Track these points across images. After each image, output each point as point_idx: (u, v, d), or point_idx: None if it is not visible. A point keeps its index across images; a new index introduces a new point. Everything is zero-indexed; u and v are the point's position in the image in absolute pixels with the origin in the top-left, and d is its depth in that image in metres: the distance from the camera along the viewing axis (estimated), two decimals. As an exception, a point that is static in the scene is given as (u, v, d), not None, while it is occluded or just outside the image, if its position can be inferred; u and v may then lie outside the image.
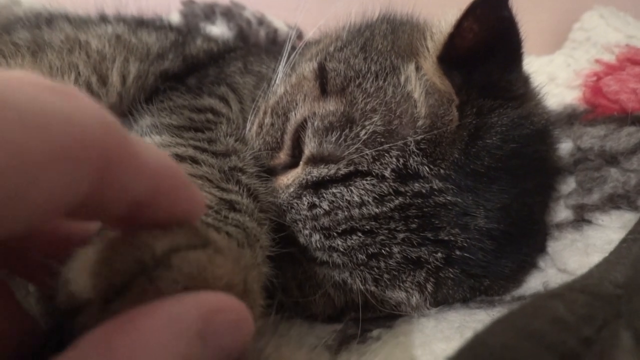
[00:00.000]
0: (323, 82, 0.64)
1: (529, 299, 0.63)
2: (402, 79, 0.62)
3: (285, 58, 0.75)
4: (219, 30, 1.36)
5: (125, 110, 0.71)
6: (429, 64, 0.62)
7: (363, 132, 0.59)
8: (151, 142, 0.63)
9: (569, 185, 0.78)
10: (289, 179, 0.62)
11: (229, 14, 1.39)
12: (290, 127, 0.65)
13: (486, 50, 0.61)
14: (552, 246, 0.70)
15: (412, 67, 0.63)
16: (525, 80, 0.68)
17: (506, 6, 0.57)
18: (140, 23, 0.91)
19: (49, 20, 0.86)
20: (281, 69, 0.74)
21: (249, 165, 0.62)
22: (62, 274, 0.28)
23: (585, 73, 0.93)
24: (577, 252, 0.67)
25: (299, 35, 1.55)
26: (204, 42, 0.97)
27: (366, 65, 0.64)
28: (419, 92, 0.60)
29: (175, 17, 1.34)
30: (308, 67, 0.67)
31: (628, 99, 0.80)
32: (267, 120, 0.67)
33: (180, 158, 0.58)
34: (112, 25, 0.85)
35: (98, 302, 0.28)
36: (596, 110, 0.84)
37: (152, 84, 0.77)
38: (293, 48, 0.78)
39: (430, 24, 0.66)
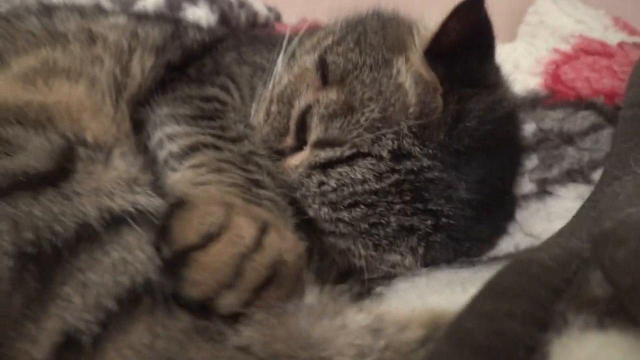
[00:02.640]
0: (324, 74, 0.72)
1: (503, 259, 0.74)
2: (394, 71, 0.71)
3: (284, 49, 0.83)
4: (201, 12, 1.38)
5: (142, 100, 0.77)
6: (416, 57, 0.71)
7: (363, 118, 0.67)
8: (172, 131, 0.70)
9: (532, 161, 0.90)
10: (296, 160, 0.71)
11: (212, -4, 1.42)
12: (295, 114, 0.73)
13: (465, 45, 0.70)
14: (520, 214, 0.81)
15: (401, 60, 0.72)
16: (497, 69, 0.79)
17: (483, 8, 0.67)
18: (140, 16, 0.96)
19: (52, 8, 0.90)
20: (280, 60, 0.82)
21: (259, 148, 0.70)
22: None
23: (545, 61, 1.05)
24: (541, 219, 0.79)
25: (278, 18, 1.61)
26: (196, 32, 1.02)
27: (362, 59, 0.72)
28: (409, 83, 0.70)
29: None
30: (309, 60, 0.75)
31: (582, 87, 0.92)
32: (274, 108, 0.75)
33: (204, 145, 0.65)
34: (116, 17, 0.90)
35: None
36: (555, 95, 0.96)
37: (161, 76, 0.83)
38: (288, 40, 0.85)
39: (417, 21, 0.75)
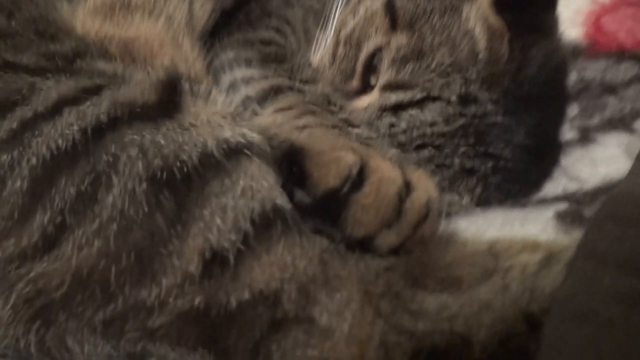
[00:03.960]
0: (393, 17, 0.74)
1: (552, 201, 0.79)
2: (463, 17, 0.73)
3: None
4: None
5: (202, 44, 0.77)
6: (486, 3, 0.73)
7: (433, 63, 0.70)
8: (244, 74, 0.71)
9: (573, 109, 0.93)
10: (364, 102, 0.73)
11: None
12: (363, 56, 0.75)
13: None
14: (564, 159, 0.85)
15: (469, 6, 0.73)
16: (556, 19, 0.81)
17: None
18: None
19: None
20: (339, 1, 0.83)
21: (330, 90, 0.72)
22: None
23: (585, 11, 1.06)
24: (586, 164, 0.83)
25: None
26: None
27: (430, 4, 0.74)
28: (478, 30, 0.71)
29: None
30: (376, 3, 0.76)
31: (625, 38, 0.94)
32: (341, 50, 0.76)
33: (284, 88, 0.67)
34: None
35: None
36: (597, 46, 0.98)
37: (217, 21, 0.83)
38: None
39: None
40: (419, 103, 0.70)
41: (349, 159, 0.48)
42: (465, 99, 0.70)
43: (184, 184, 0.45)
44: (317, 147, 0.50)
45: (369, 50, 0.74)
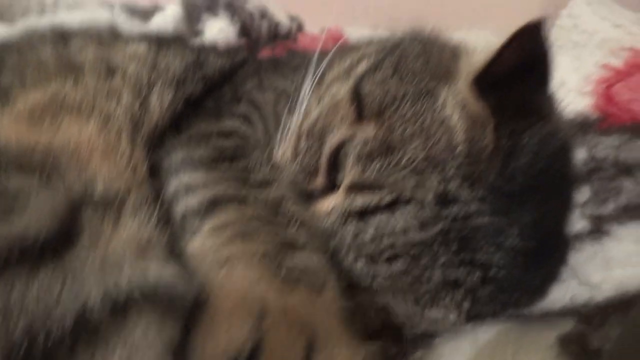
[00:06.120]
0: (359, 106, 0.65)
1: (559, 313, 0.66)
2: (439, 103, 0.63)
3: (311, 73, 0.75)
4: (222, 23, 1.33)
5: (157, 141, 0.70)
6: (464, 86, 0.63)
7: (405, 158, 0.60)
8: (188, 181, 0.63)
9: (583, 194, 0.81)
10: (328, 205, 0.63)
11: (232, 7, 1.36)
12: (327, 151, 0.66)
13: (520, 72, 0.62)
14: (574, 257, 0.73)
15: (447, 90, 0.64)
16: (551, 99, 0.70)
17: (543, 35, 0.59)
18: (161, 42, 0.88)
19: (68, 35, 0.83)
20: (307, 85, 0.75)
21: (288, 192, 0.63)
22: None
23: (595, 79, 0.96)
24: (599, 265, 0.70)
25: (300, 28, 1.55)
26: (217, 58, 0.95)
27: (402, 89, 0.65)
28: (456, 117, 0.62)
29: (175, 8, 1.30)
30: (342, 89, 0.68)
31: (640, 109, 0.83)
32: (303, 143, 0.67)
33: (226, 199, 0.58)
34: (135, 45, 0.83)
35: None
36: (609, 118, 0.87)
37: (179, 112, 0.76)
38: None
39: (460, 45, 0.67)
40: (389, 207, 0.60)
41: (237, 340, 0.37)
42: (443, 199, 0.60)
43: None
44: (217, 305, 0.39)
45: (333, 144, 0.65)
